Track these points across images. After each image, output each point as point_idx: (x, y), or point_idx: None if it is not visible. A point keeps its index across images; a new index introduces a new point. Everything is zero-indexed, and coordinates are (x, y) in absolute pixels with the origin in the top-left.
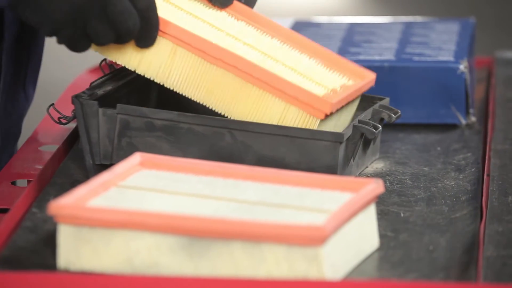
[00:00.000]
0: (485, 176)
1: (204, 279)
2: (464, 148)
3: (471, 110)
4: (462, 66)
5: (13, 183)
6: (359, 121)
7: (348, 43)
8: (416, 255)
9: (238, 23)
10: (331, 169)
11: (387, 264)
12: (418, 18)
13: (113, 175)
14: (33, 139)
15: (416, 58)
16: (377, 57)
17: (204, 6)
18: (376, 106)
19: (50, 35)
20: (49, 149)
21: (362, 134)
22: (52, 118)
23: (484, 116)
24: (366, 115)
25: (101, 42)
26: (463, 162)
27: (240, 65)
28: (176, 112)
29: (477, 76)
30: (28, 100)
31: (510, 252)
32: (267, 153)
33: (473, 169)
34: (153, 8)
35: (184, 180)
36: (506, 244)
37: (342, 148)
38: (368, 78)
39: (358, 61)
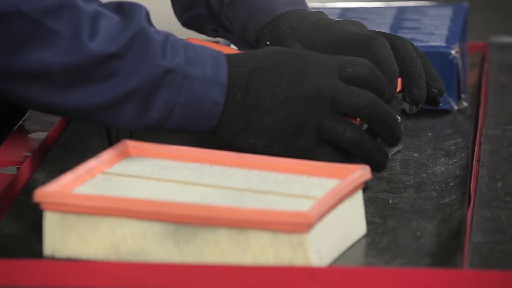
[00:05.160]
0: (474, 162)
1: (190, 265)
2: (455, 133)
3: (463, 96)
4: (454, 51)
5: (2, 170)
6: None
7: None
8: (403, 241)
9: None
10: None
11: (374, 251)
12: (411, 3)
13: (99, 162)
14: (22, 127)
15: None
16: None
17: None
18: (398, 96)
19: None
20: (39, 136)
21: None
22: None
23: (476, 101)
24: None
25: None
26: (453, 147)
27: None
28: None
29: (471, 61)
30: None
31: (497, 238)
32: None
33: (462, 155)
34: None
35: (170, 167)
36: (494, 230)
37: None
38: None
39: None
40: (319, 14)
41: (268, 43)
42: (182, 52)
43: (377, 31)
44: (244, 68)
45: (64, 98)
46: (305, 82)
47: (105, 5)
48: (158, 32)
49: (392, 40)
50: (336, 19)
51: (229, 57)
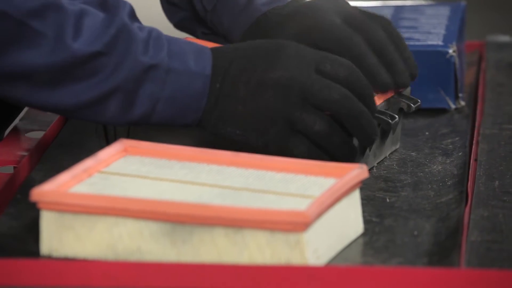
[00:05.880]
0: (472, 161)
1: (187, 265)
2: (453, 132)
3: (460, 95)
4: (451, 50)
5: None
6: (376, 111)
7: None
8: (400, 240)
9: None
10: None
11: (371, 250)
12: (408, 2)
13: (96, 161)
14: (19, 126)
15: None
16: None
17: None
18: (395, 96)
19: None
20: (36, 135)
21: (378, 125)
22: None
23: (473, 100)
24: (384, 105)
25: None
26: (450, 146)
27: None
28: None
29: (468, 60)
30: None
31: (494, 237)
32: None
33: (460, 154)
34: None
35: (168, 166)
36: (491, 229)
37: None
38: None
39: None
40: (293, 3)
41: None
42: (166, 46)
43: (349, 12)
44: (225, 59)
45: (49, 98)
46: (278, 69)
47: (89, 2)
48: (141, 28)
49: (363, 32)
50: (308, 1)
51: (214, 50)
